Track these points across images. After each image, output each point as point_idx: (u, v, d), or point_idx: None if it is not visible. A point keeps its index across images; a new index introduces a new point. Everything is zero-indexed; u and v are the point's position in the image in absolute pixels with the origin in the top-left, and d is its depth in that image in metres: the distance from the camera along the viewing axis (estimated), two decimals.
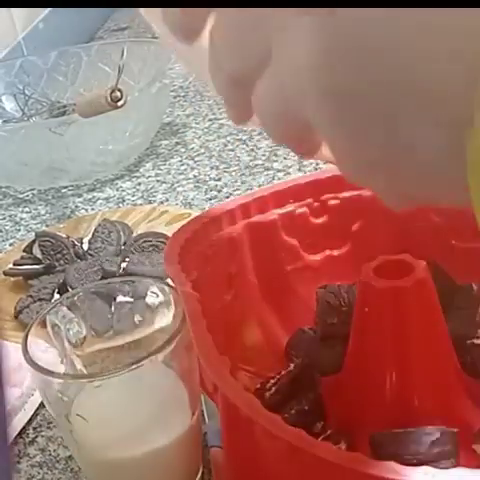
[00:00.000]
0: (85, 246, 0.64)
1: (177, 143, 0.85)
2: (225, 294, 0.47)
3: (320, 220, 0.50)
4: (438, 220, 0.49)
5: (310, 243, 0.50)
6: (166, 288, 0.42)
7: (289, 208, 0.49)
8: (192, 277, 0.43)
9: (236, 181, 0.75)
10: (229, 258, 0.48)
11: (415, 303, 0.39)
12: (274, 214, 0.49)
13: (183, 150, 0.84)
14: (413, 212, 0.49)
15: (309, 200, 0.50)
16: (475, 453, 0.39)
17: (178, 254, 0.43)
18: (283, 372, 0.42)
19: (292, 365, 0.43)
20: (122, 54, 0.72)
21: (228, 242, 0.47)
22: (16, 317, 0.58)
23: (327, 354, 0.47)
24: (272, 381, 0.42)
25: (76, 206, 0.77)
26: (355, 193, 0.50)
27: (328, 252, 0.51)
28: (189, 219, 0.47)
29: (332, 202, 0.50)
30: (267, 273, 0.49)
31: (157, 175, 0.80)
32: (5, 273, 0.63)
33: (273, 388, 0.42)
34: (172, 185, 0.77)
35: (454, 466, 0.37)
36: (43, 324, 0.41)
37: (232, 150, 0.81)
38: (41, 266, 0.62)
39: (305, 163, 0.75)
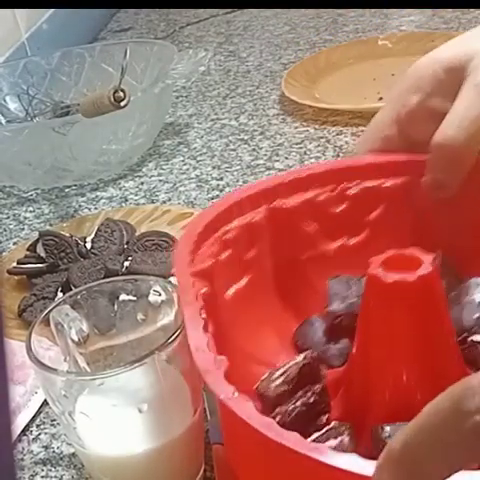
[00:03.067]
0: (88, 245, 0.64)
1: (179, 143, 0.86)
2: (240, 280, 0.47)
3: (340, 208, 0.50)
4: (455, 214, 0.48)
5: (328, 231, 0.50)
6: (169, 286, 0.43)
7: (310, 195, 0.49)
8: (206, 265, 0.43)
9: (238, 180, 0.75)
10: (248, 244, 0.48)
11: (421, 298, 0.39)
12: (295, 200, 0.49)
13: (185, 150, 0.84)
14: (432, 206, 0.49)
15: (330, 187, 0.50)
16: None
17: (194, 242, 0.43)
18: (291, 363, 0.43)
19: (300, 356, 0.43)
20: (125, 55, 0.72)
21: (248, 227, 0.47)
22: (20, 315, 0.58)
23: (333, 346, 0.47)
24: (279, 372, 0.42)
25: (79, 205, 0.77)
26: (376, 183, 0.49)
27: (344, 241, 0.50)
28: (210, 206, 0.48)
29: (352, 191, 0.50)
30: (283, 260, 0.49)
31: (160, 175, 0.80)
32: (9, 272, 0.63)
33: (280, 379, 0.42)
34: (174, 184, 0.77)
35: None
36: (46, 322, 0.42)
37: (234, 150, 0.81)
38: (44, 265, 0.63)
39: (306, 163, 0.76)
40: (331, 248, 0.50)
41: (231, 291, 0.46)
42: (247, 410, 0.33)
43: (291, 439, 0.31)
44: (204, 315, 0.39)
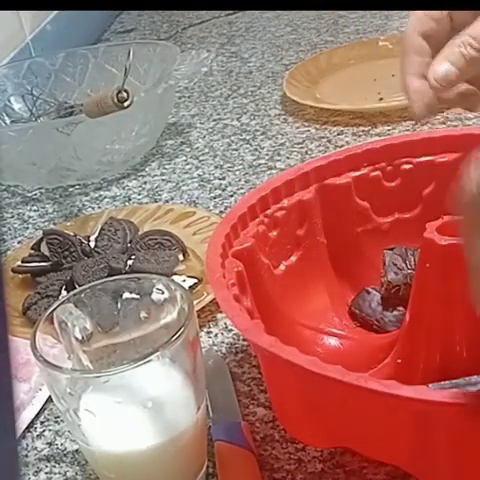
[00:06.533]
0: (92, 244, 0.65)
1: (182, 143, 0.86)
2: (291, 256, 0.49)
3: (393, 184, 0.51)
4: None
5: (381, 206, 0.52)
6: (171, 285, 0.43)
7: (363, 171, 0.51)
8: (246, 245, 0.45)
9: (240, 180, 0.76)
10: (299, 221, 0.49)
11: None
12: (348, 177, 0.50)
13: (188, 150, 0.84)
14: None
15: (382, 164, 0.51)
16: None
17: (233, 224, 0.45)
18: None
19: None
20: (128, 55, 0.72)
21: (299, 205, 0.49)
22: (24, 313, 0.59)
23: (390, 313, 0.48)
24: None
25: (83, 205, 0.78)
26: (428, 158, 0.51)
27: (398, 215, 0.52)
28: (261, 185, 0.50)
29: (405, 166, 0.51)
30: (336, 234, 0.51)
31: (162, 174, 0.80)
32: (13, 270, 0.63)
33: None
34: (177, 184, 0.78)
35: None
36: (51, 320, 0.42)
37: (236, 150, 0.82)
38: (49, 263, 0.63)
39: None
40: (385, 222, 0.52)
41: (282, 267, 0.48)
42: (290, 352, 0.35)
43: (336, 371, 0.33)
44: (236, 290, 0.41)
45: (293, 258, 0.50)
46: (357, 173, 0.51)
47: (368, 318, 0.49)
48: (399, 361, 0.44)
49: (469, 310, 0.41)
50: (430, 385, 0.39)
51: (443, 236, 0.41)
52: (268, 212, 0.48)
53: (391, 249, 0.49)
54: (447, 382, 0.39)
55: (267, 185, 0.49)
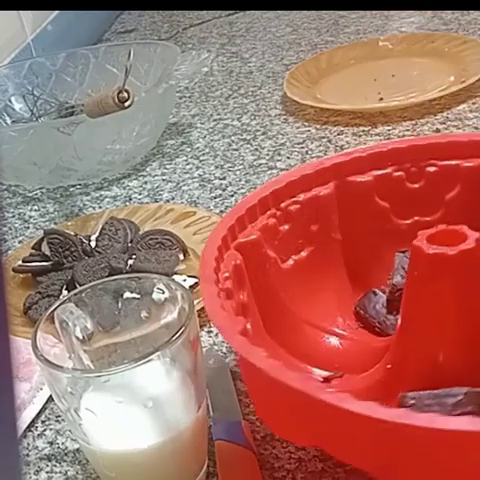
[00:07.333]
0: (93, 243, 0.65)
1: (183, 143, 0.86)
2: (302, 250, 0.49)
3: (416, 185, 0.50)
4: None
5: (401, 207, 0.50)
6: (172, 284, 0.43)
7: (386, 171, 0.50)
8: (251, 238, 0.45)
9: (240, 180, 0.76)
10: (314, 216, 0.49)
11: (461, 271, 0.40)
12: (370, 175, 0.49)
13: (188, 150, 0.84)
14: None
15: (407, 165, 0.50)
16: None
17: (238, 217, 0.45)
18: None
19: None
20: (129, 56, 0.73)
21: (315, 201, 0.48)
22: (25, 313, 0.59)
23: (393, 317, 0.48)
24: None
25: (84, 204, 0.78)
26: (454, 162, 0.49)
27: (418, 218, 0.51)
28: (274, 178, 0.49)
29: (430, 169, 0.50)
30: (352, 232, 0.50)
31: (163, 174, 0.80)
32: (14, 270, 0.63)
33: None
34: (178, 184, 0.78)
35: None
36: (51, 320, 0.42)
37: (236, 150, 0.82)
38: (49, 263, 0.63)
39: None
40: (404, 224, 0.51)
41: (290, 261, 0.48)
42: (256, 354, 0.35)
43: (296, 379, 0.33)
44: (229, 284, 0.41)
45: (304, 253, 0.49)
46: (380, 172, 0.49)
47: (371, 319, 0.49)
48: (389, 366, 0.43)
49: (458, 318, 0.41)
50: (408, 394, 0.38)
51: (431, 245, 0.40)
52: (282, 205, 0.47)
53: (403, 252, 0.48)
54: (426, 392, 0.38)
55: (282, 178, 0.48)
